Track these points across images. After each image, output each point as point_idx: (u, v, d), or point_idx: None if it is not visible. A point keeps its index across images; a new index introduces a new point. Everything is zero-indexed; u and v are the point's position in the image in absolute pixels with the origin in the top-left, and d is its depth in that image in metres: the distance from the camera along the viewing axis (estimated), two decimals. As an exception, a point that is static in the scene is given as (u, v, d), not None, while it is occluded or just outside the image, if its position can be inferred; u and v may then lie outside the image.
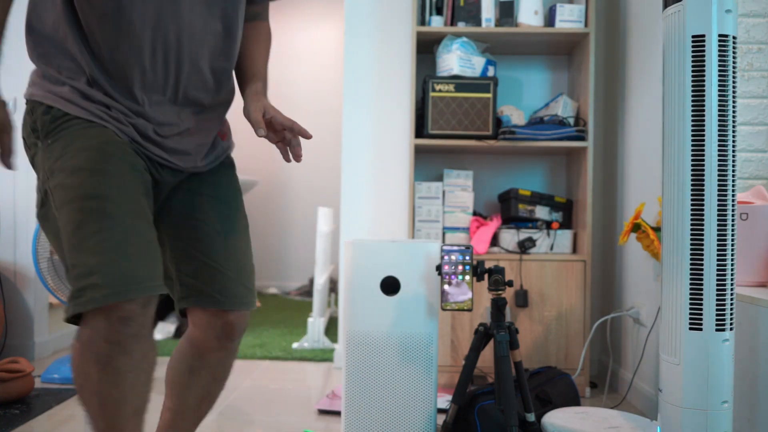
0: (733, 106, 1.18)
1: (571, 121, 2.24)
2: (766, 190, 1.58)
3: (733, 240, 1.18)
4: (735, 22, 1.18)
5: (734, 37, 1.18)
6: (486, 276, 1.49)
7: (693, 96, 1.17)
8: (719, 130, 1.17)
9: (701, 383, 1.18)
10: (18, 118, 2.58)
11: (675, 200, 1.20)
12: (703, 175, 1.17)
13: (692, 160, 1.17)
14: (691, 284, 1.18)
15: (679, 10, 1.18)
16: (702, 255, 1.17)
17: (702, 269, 1.17)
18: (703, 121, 1.17)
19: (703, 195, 1.17)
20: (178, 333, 2.99)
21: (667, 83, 1.22)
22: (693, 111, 1.17)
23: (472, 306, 1.49)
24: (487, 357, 2.14)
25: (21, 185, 2.55)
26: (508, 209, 2.23)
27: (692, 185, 1.17)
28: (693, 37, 1.17)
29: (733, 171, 1.18)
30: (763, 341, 1.31)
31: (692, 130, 1.17)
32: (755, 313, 1.34)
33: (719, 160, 1.17)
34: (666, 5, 1.24)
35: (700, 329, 1.18)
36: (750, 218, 1.51)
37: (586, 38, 2.17)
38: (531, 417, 1.52)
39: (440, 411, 1.92)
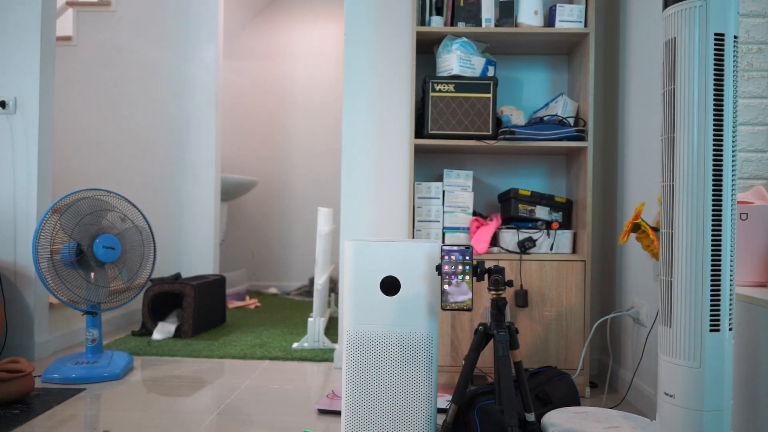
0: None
1: (571, 121, 2.24)
2: (765, 190, 1.58)
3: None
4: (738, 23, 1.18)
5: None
6: (486, 276, 1.49)
7: (715, 95, 1.16)
8: (732, 129, 1.17)
9: (720, 384, 1.17)
10: (18, 118, 2.59)
11: (693, 200, 1.18)
12: (721, 174, 1.17)
13: (713, 160, 1.17)
14: (712, 285, 1.17)
15: (702, 5, 1.17)
16: (720, 255, 1.17)
17: (720, 270, 1.17)
18: (722, 120, 1.17)
19: (721, 195, 1.17)
20: (178, 333, 2.99)
21: (682, 80, 1.19)
22: (714, 110, 1.17)
23: (472, 306, 1.49)
24: (487, 357, 2.14)
25: (21, 184, 2.55)
26: (508, 209, 2.23)
27: (713, 185, 1.17)
28: (715, 35, 1.16)
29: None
30: (762, 341, 1.31)
31: (714, 130, 1.17)
32: (755, 313, 1.34)
33: (732, 160, 1.17)
34: (666, 5, 1.23)
35: (718, 330, 1.17)
36: (750, 218, 1.51)
37: (586, 38, 2.17)
38: (531, 417, 1.52)
39: (440, 411, 1.92)
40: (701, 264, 1.17)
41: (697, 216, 1.18)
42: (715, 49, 1.16)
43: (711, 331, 1.17)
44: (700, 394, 1.18)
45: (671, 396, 1.22)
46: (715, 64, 1.16)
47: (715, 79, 1.17)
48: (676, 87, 1.21)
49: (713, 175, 1.17)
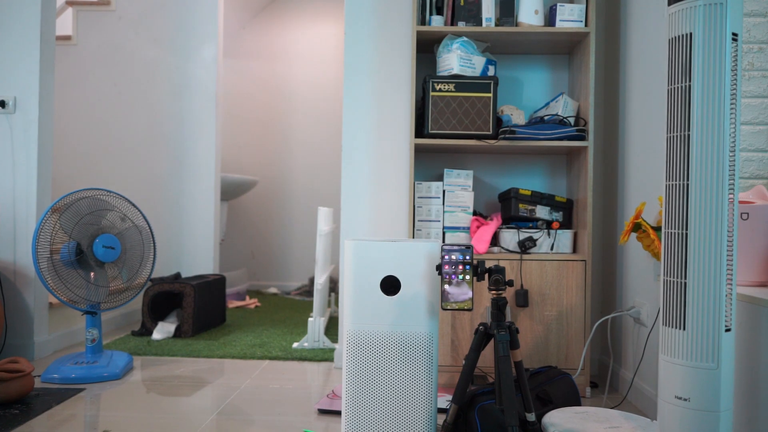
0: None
1: (572, 120, 2.23)
2: (766, 190, 1.57)
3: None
4: None
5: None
6: (486, 276, 1.49)
7: (731, 93, 1.16)
8: (739, 128, 1.18)
9: (731, 383, 1.17)
10: (18, 117, 2.59)
11: (711, 199, 1.16)
12: (734, 174, 1.16)
13: (730, 159, 1.16)
14: (728, 285, 1.17)
15: (722, 3, 1.16)
16: (732, 255, 1.16)
17: (732, 270, 1.16)
18: (735, 118, 1.16)
19: (733, 194, 1.16)
20: (178, 333, 2.99)
21: (701, 77, 1.17)
22: (730, 109, 1.16)
23: (473, 306, 1.49)
24: (487, 357, 2.14)
25: (21, 184, 2.55)
26: (509, 209, 2.22)
27: (730, 184, 1.17)
28: (732, 34, 1.16)
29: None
30: (764, 341, 1.31)
31: (730, 128, 1.17)
32: (757, 313, 1.33)
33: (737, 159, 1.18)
34: (672, 0, 1.22)
35: (730, 330, 1.17)
36: (751, 218, 1.51)
37: (587, 37, 2.17)
38: (531, 417, 1.52)
39: (440, 411, 1.92)
40: (718, 264, 1.16)
41: (715, 216, 1.16)
42: (732, 49, 1.16)
43: (726, 331, 1.16)
44: (717, 395, 1.16)
45: (686, 400, 1.19)
46: (732, 64, 1.16)
47: (732, 78, 1.16)
48: (693, 84, 1.18)
49: (729, 174, 1.16)
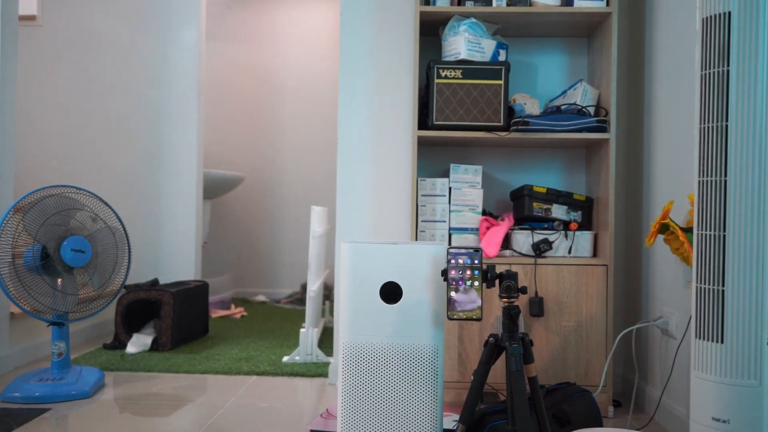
0: None
1: (591, 110, 2.23)
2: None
3: None
4: None
5: None
6: (497, 282, 1.49)
7: None
8: None
9: None
10: (-23, 106, 2.56)
11: (755, 198, 1.15)
12: None
13: None
14: None
15: None
16: None
17: None
18: None
19: None
20: (155, 345, 2.97)
21: (742, 61, 1.16)
22: None
23: (482, 315, 1.48)
24: (498, 372, 2.13)
25: (-20, 181, 2.53)
26: (522, 208, 2.22)
27: None
28: None
29: None
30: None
31: None
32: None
33: None
34: None
35: None
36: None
37: (608, 18, 2.16)
38: (548, 440, 1.50)
39: (446, 432, 1.91)
40: (761, 269, 1.15)
41: (757, 215, 1.15)
42: None
43: None
44: (760, 415, 1.15)
45: (725, 422, 1.18)
46: None
47: None
48: (731, 68, 1.17)
49: None
